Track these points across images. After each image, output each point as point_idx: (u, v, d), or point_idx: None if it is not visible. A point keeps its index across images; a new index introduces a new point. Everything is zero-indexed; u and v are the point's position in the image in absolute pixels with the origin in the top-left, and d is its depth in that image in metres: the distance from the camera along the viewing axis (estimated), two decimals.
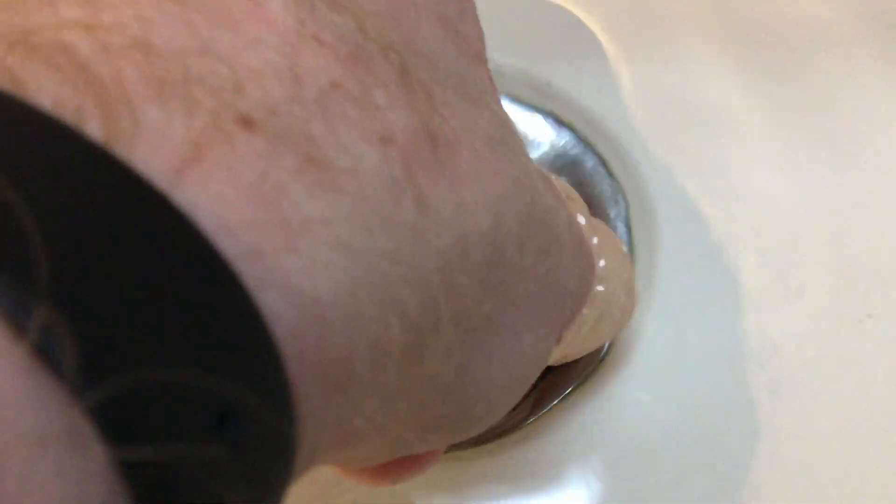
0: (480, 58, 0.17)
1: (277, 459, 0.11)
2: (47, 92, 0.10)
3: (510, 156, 0.15)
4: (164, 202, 0.10)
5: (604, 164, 0.26)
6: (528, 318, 0.16)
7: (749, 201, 0.25)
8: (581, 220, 0.20)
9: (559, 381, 0.24)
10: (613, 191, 0.26)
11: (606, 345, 0.24)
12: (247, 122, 0.11)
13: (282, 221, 0.11)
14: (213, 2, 0.12)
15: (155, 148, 0.10)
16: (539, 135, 0.26)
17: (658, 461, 0.24)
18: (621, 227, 0.26)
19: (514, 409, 0.18)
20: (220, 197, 0.11)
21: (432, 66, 0.15)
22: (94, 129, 0.10)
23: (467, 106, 0.15)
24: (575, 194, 0.22)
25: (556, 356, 0.20)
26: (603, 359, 0.24)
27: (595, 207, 0.26)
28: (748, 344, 0.24)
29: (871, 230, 0.25)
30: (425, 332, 0.13)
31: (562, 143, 0.26)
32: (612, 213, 0.26)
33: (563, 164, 0.26)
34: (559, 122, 0.26)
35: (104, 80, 0.11)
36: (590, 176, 0.26)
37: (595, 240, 0.20)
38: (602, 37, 0.27)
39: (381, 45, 0.14)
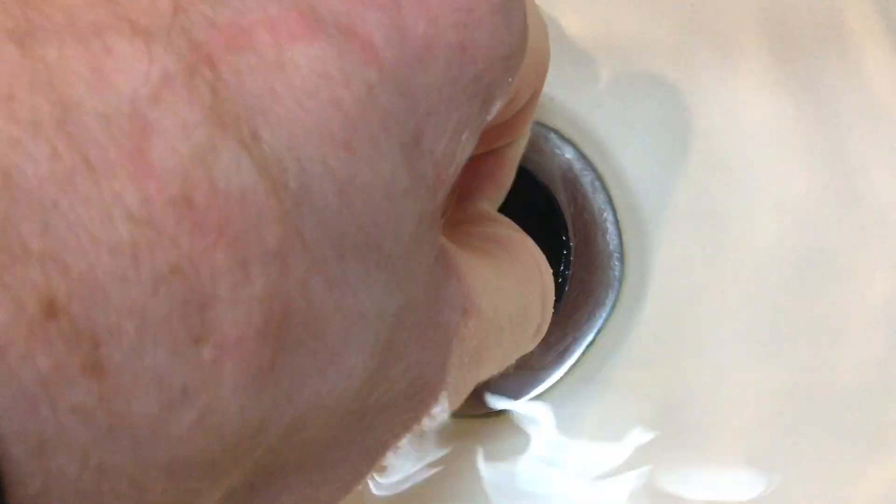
0: (436, 188, 0.14)
1: None
2: None
3: (367, 337, 0.13)
4: None
5: (600, 179, 0.27)
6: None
7: (741, 213, 0.27)
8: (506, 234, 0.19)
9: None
10: (607, 205, 0.27)
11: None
12: (51, 308, 0.10)
13: (39, 436, 0.10)
14: (92, 121, 0.11)
15: None
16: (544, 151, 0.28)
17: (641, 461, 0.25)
18: (615, 240, 0.27)
19: None
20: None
21: (346, 214, 0.13)
22: None
23: (358, 269, 0.13)
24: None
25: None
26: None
27: (590, 224, 0.27)
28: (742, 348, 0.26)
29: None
30: None
31: (565, 157, 0.28)
32: (609, 226, 0.27)
33: (566, 180, 0.27)
34: (562, 137, 0.28)
35: None
36: (590, 191, 0.27)
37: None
38: (599, 52, 0.28)
39: (281, 197, 0.12)
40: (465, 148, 0.14)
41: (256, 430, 0.12)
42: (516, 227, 0.20)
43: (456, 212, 0.20)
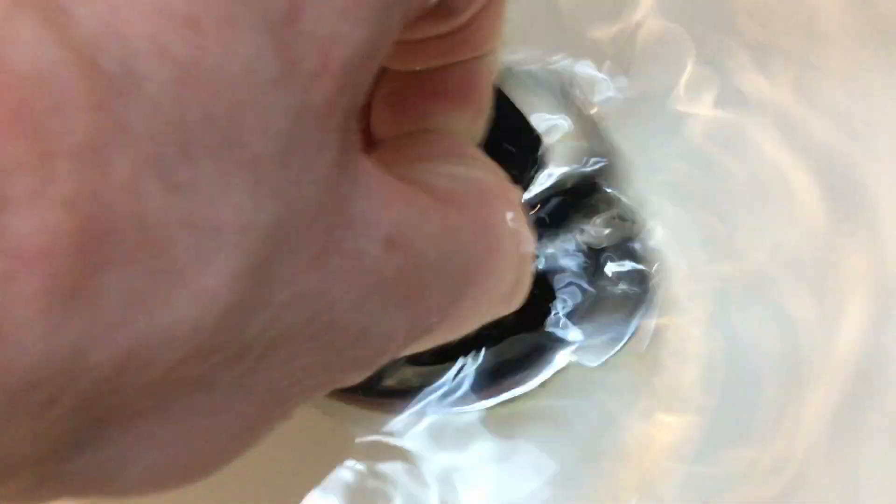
0: (322, 78, 0.11)
1: None
2: None
3: (229, 255, 0.11)
4: None
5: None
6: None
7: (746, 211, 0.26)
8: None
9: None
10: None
11: None
12: None
13: None
14: None
15: None
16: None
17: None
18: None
19: None
20: None
21: (190, 104, 0.11)
22: None
23: (212, 171, 0.11)
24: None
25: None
26: None
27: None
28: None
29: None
30: None
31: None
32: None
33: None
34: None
35: None
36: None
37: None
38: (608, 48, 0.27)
39: (96, 81, 0.10)
40: (372, 36, 0.12)
41: (67, 364, 0.10)
42: (497, 170, 0.17)
43: (409, 140, 0.17)
